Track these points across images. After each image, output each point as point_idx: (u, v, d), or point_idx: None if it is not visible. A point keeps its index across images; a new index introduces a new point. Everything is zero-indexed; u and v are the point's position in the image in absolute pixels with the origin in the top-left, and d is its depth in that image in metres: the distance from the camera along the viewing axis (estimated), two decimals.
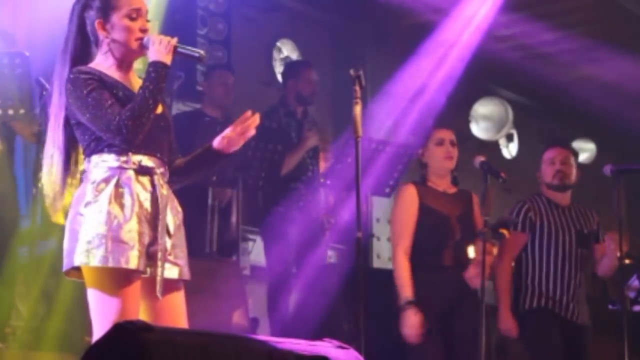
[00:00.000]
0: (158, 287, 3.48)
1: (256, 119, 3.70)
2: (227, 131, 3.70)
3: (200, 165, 3.79)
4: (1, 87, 5.19)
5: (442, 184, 5.44)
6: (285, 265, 6.42)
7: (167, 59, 3.56)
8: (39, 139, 5.35)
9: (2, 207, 5.41)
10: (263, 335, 3.15)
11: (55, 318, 5.31)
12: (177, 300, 3.62)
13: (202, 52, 3.68)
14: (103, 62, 3.62)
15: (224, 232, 6.64)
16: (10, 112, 5.20)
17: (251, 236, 7.21)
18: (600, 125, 10.32)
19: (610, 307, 6.02)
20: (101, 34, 3.61)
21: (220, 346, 2.73)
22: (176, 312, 3.61)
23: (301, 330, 5.85)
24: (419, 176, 5.50)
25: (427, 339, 5.15)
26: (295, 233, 6.43)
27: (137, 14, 3.59)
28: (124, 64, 3.64)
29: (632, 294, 7.10)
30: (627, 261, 8.50)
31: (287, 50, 8.88)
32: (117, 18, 3.59)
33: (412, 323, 5.11)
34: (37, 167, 5.36)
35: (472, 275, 5.19)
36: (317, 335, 3.57)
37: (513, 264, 5.62)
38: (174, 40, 3.59)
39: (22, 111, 5.21)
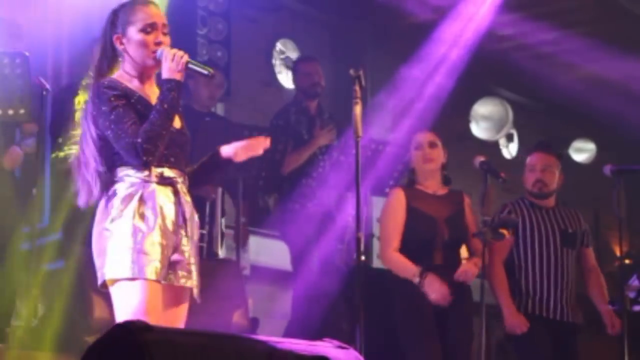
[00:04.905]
0: (195, 291, 3.65)
1: (267, 143, 3.88)
2: (239, 144, 3.82)
3: (212, 171, 3.89)
4: (1, 87, 5.18)
5: (431, 185, 5.46)
6: (306, 238, 6.42)
7: (179, 76, 3.62)
8: (39, 140, 5.36)
9: (3, 208, 5.40)
10: (263, 335, 3.15)
11: (55, 318, 5.31)
12: (181, 310, 3.72)
13: (211, 69, 3.75)
14: (124, 74, 3.68)
15: (212, 231, 6.62)
16: (10, 112, 5.19)
17: (250, 236, 7.20)
18: (600, 125, 10.31)
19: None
20: (119, 48, 3.69)
21: (220, 346, 2.73)
22: (176, 321, 3.69)
23: (301, 330, 5.85)
24: (408, 180, 5.55)
25: (426, 339, 5.15)
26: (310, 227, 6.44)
27: (151, 27, 3.65)
28: (143, 76, 3.71)
29: (632, 294, 7.09)
30: (627, 261, 8.51)
31: (287, 50, 8.88)
32: (132, 32, 3.66)
33: (437, 286, 5.15)
34: (37, 168, 5.36)
35: (461, 272, 5.21)
36: (317, 335, 3.58)
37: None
38: (186, 57, 3.63)
39: (22, 111, 5.20)
